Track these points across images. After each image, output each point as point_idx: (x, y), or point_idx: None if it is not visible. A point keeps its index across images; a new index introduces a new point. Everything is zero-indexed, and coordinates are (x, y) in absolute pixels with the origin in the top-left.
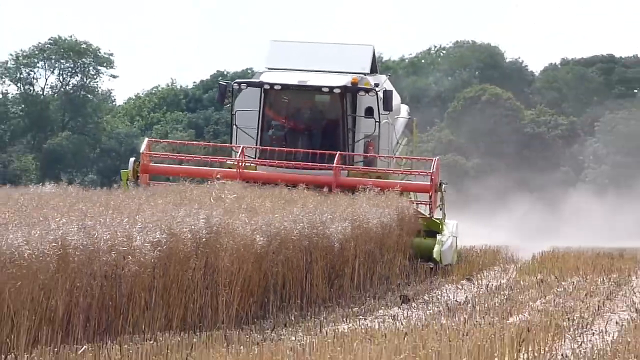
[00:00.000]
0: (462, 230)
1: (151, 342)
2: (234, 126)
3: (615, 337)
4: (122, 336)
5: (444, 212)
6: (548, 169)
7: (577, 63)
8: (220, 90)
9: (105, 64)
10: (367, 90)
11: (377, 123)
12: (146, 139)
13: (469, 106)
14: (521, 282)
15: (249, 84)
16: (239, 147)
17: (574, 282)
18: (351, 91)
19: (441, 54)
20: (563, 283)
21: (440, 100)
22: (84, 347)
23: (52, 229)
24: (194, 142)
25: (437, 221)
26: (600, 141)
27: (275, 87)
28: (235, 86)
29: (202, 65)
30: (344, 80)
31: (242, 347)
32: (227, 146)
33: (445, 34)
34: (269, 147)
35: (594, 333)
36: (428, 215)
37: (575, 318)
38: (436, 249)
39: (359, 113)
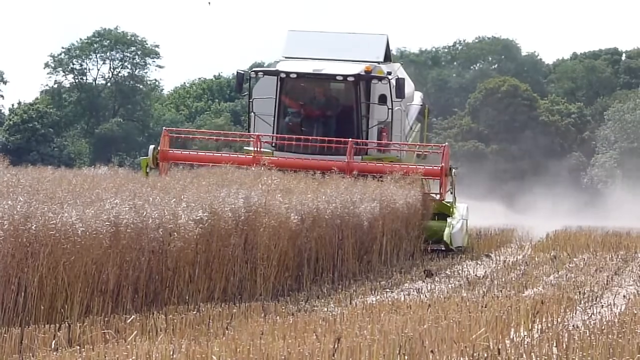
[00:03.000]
0: (479, 209)
1: (194, 312)
2: (252, 113)
3: (622, 310)
4: (168, 306)
5: (454, 196)
6: (561, 154)
7: (585, 57)
8: (238, 79)
9: (151, 55)
10: (380, 78)
11: (390, 110)
12: (164, 129)
13: (489, 96)
14: (536, 258)
15: (266, 73)
16: (255, 135)
17: (584, 259)
18: (364, 79)
19: (460, 47)
20: (574, 259)
21: (461, 90)
22: (133, 316)
23: (105, 209)
24: (209, 131)
25: (448, 204)
26: (610, 129)
27: (291, 75)
28: (252, 75)
29: (242, 56)
30: (358, 69)
31: (278, 317)
32: (241, 135)
33: (467, 30)
34: (285, 135)
35: (603, 306)
36: (438, 199)
37: (585, 292)
38: (447, 231)
39: (373, 100)
